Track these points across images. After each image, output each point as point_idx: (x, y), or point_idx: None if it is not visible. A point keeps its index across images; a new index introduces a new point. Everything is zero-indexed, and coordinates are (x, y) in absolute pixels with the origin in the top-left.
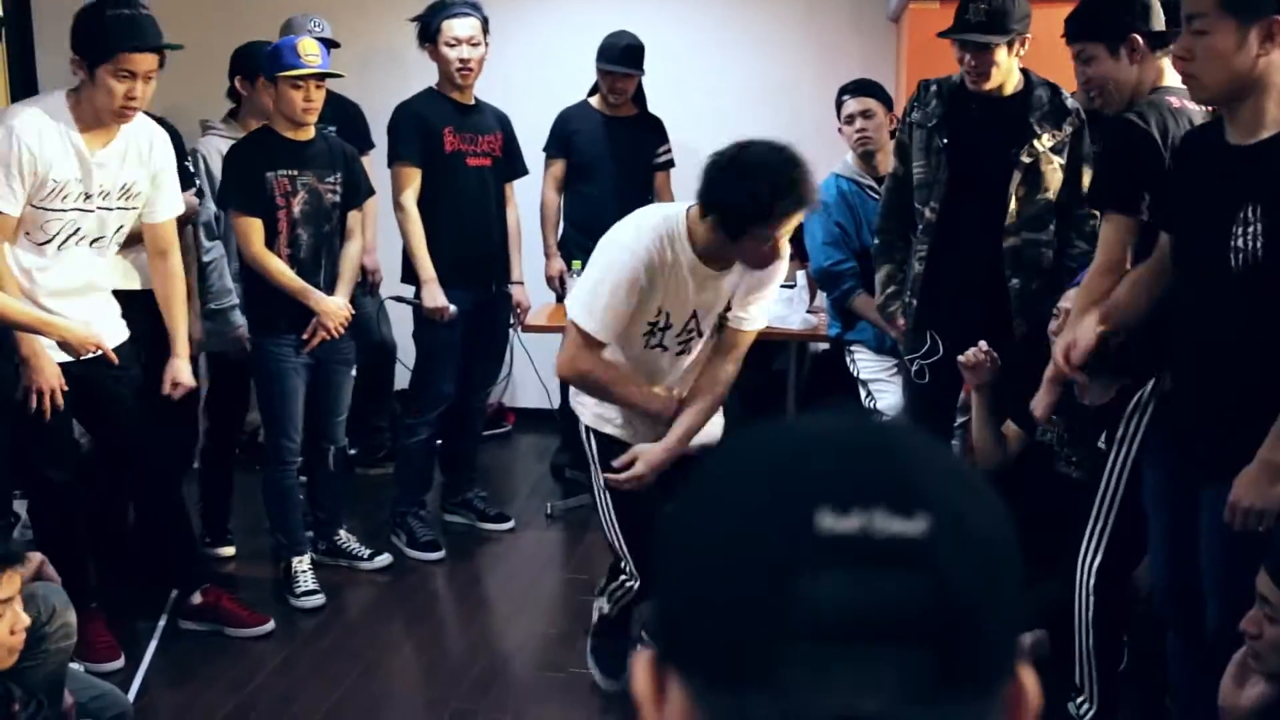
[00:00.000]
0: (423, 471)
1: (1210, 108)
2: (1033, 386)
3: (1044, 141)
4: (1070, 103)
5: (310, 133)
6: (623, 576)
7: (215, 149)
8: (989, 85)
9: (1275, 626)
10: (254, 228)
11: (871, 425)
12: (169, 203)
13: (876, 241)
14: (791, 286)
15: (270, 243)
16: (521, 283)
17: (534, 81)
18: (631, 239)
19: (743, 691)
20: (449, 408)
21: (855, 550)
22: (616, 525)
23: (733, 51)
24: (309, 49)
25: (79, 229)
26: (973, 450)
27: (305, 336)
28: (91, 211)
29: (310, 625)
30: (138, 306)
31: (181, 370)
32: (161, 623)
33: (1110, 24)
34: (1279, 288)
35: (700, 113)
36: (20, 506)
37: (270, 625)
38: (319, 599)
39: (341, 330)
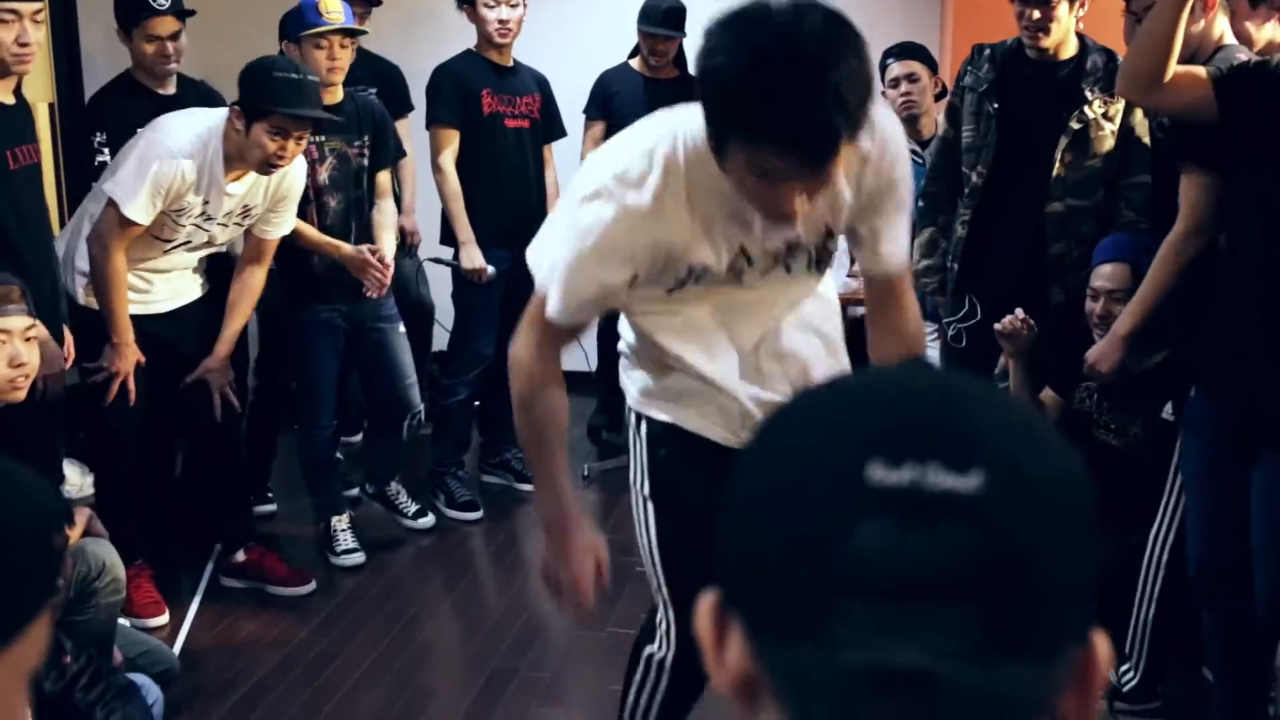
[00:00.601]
0: (460, 432)
1: None
2: (1069, 354)
3: (1095, 108)
4: None
5: (338, 95)
6: (648, 650)
7: None
8: (1047, 43)
9: None
10: None
11: (932, 375)
12: (284, 223)
13: (921, 204)
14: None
15: (300, 211)
16: None
17: (574, 43)
18: (604, 179)
19: (792, 643)
20: (487, 368)
21: (906, 504)
22: (655, 548)
23: None
24: (331, 6)
25: (190, 240)
26: None
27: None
28: (204, 229)
29: (351, 584)
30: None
31: (215, 368)
32: (205, 579)
33: None
34: None
35: None
36: (67, 466)
37: (313, 585)
38: (359, 557)
39: (379, 278)
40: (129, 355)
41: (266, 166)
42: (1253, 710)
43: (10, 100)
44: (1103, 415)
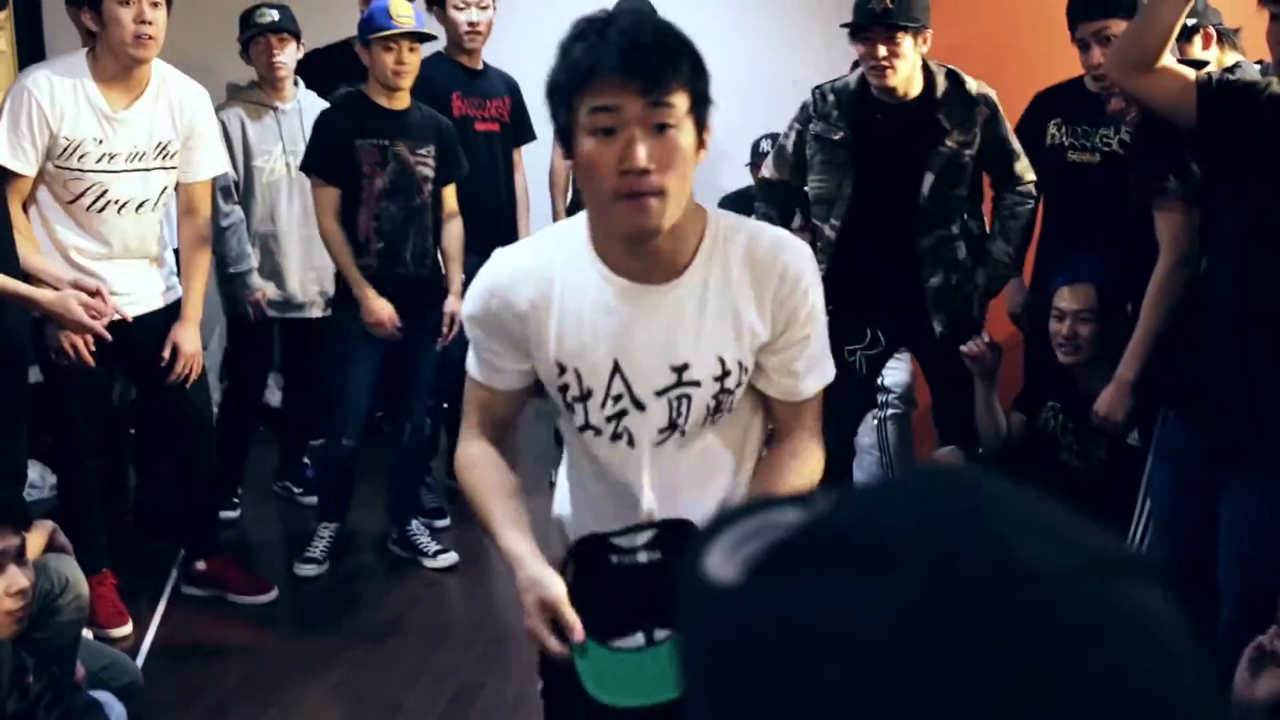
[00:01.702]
0: (428, 438)
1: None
2: (1032, 375)
3: (955, 138)
4: (976, 89)
5: (405, 101)
6: None
7: (237, 115)
8: (895, 81)
9: None
10: (328, 197)
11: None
12: (203, 162)
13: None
14: None
15: (355, 213)
16: None
17: (545, 46)
18: (484, 271)
19: None
20: (453, 372)
21: None
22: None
23: (746, 24)
24: (401, 10)
25: (107, 191)
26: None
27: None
28: (119, 173)
29: (315, 592)
30: None
31: (185, 335)
32: (169, 587)
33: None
34: None
35: (713, 80)
36: (29, 467)
37: (274, 593)
38: (311, 569)
39: (388, 328)
40: (64, 307)
41: (138, 43)
42: None
43: None
44: (1067, 437)
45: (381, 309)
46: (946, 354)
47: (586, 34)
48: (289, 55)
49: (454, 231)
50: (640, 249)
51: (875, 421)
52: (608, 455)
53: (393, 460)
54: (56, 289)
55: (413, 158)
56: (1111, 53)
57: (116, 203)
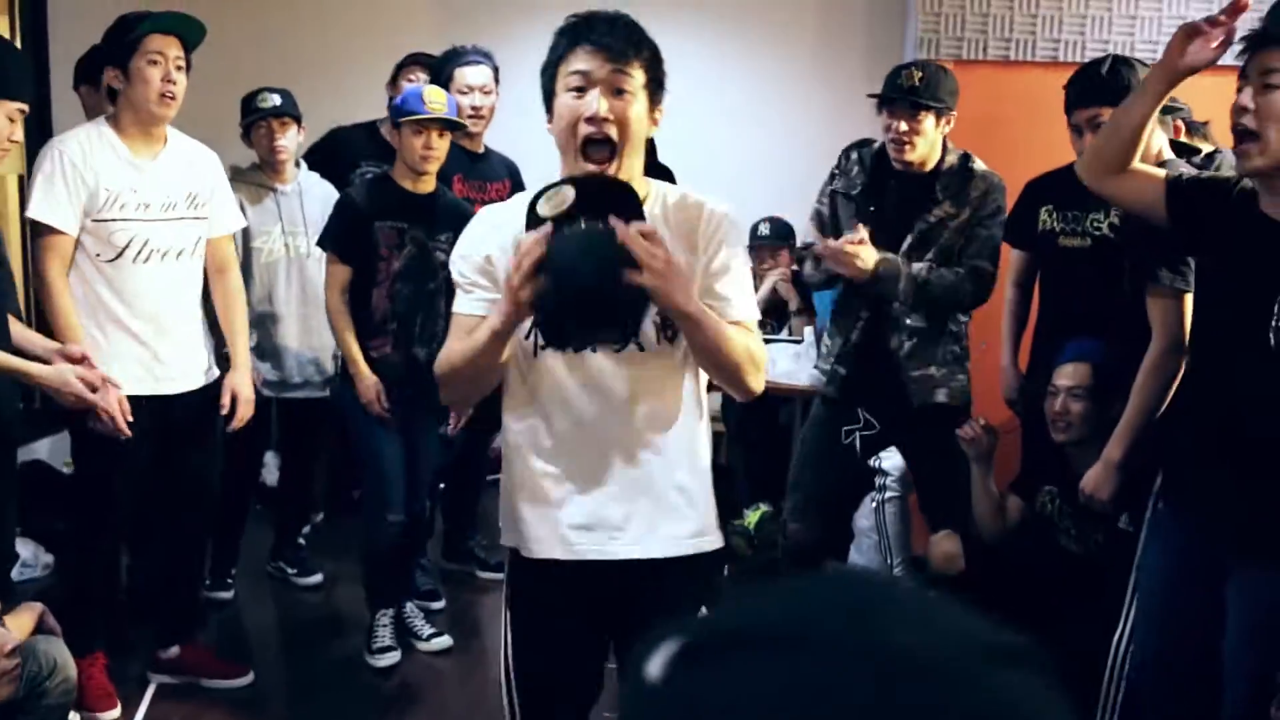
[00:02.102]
0: (426, 521)
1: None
2: (1030, 458)
3: (944, 208)
4: (979, 168)
5: (429, 186)
6: None
7: (237, 197)
8: (912, 156)
9: None
10: (340, 274)
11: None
12: (225, 216)
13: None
14: (799, 342)
15: (368, 291)
16: None
17: (544, 132)
18: (471, 222)
19: None
20: (451, 456)
21: None
22: (514, 687)
23: (745, 108)
24: (434, 97)
25: (148, 240)
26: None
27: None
28: (155, 221)
29: (308, 674)
30: None
31: (240, 383)
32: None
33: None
34: None
35: (710, 166)
36: (21, 546)
37: (250, 676)
38: (394, 657)
39: (376, 407)
40: (60, 381)
41: (162, 101)
42: None
43: None
44: (1064, 521)
45: (368, 388)
46: (921, 432)
47: (577, 24)
48: (290, 139)
49: None
50: None
51: (873, 505)
52: (568, 365)
53: (406, 560)
54: (47, 361)
55: (430, 243)
56: (1084, 157)
57: (159, 251)
